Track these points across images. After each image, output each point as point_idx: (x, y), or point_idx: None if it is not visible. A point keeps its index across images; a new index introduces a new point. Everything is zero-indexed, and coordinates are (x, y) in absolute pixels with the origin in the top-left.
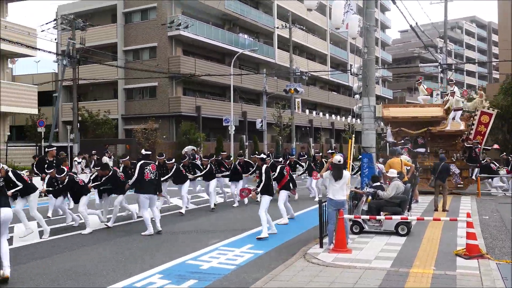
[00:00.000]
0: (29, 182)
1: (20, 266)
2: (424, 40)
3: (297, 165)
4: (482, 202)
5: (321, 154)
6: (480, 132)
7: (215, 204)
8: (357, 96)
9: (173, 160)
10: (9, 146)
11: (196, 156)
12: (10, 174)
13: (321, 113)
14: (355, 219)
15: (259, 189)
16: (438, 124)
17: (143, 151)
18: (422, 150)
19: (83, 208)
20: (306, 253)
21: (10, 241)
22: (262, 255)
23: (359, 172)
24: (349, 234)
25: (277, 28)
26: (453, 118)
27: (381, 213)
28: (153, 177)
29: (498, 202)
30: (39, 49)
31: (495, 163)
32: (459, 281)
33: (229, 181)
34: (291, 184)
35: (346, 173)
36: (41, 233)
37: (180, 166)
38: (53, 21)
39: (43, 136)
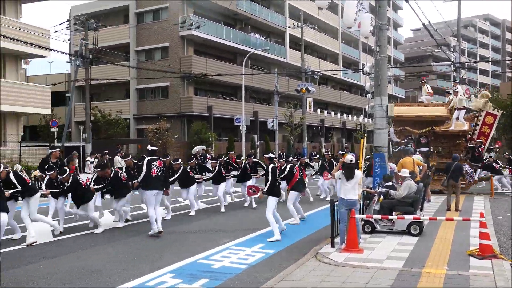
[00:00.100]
0: (30, 184)
1: (31, 266)
2: (437, 39)
3: (308, 166)
4: (495, 202)
5: (330, 153)
6: (483, 133)
7: (224, 206)
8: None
9: (179, 160)
10: (22, 146)
11: (208, 156)
12: (11, 175)
13: (332, 113)
14: (367, 219)
15: (266, 189)
16: (442, 124)
17: (149, 147)
18: (425, 149)
19: (92, 213)
20: (317, 252)
21: (23, 239)
22: (274, 254)
23: (365, 172)
24: (360, 233)
25: (289, 27)
26: (457, 118)
27: (393, 212)
28: (159, 173)
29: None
30: (53, 50)
31: (498, 162)
32: (472, 282)
33: (237, 182)
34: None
35: (358, 173)
36: (53, 232)
37: (188, 168)
38: (66, 21)
39: (56, 136)
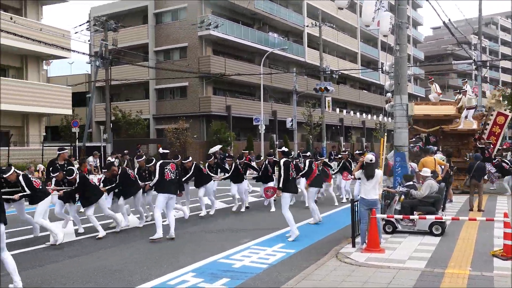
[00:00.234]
0: (39, 189)
1: (52, 265)
2: (458, 37)
3: (326, 166)
4: None
5: (347, 152)
6: (494, 132)
7: (247, 207)
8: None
9: (190, 158)
10: (44, 146)
11: (227, 155)
12: (21, 178)
13: (351, 112)
14: (388, 219)
15: (281, 185)
16: (450, 123)
17: (160, 150)
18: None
19: (107, 211)
20: (338, 252)
21: (46, 238)
22: (294, 254)
23: None
24: (382, 233)
25: (307, 26)
26: (466, 117)
27: (415, 212)
28: (173, 177)
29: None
30: (73, 51)
31: (507, 162)
32: (496, 282)
33: (257, 181)
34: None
35: (379, 172)
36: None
37: (206, 165)
38: (86, 22)
39: (77, 136)
